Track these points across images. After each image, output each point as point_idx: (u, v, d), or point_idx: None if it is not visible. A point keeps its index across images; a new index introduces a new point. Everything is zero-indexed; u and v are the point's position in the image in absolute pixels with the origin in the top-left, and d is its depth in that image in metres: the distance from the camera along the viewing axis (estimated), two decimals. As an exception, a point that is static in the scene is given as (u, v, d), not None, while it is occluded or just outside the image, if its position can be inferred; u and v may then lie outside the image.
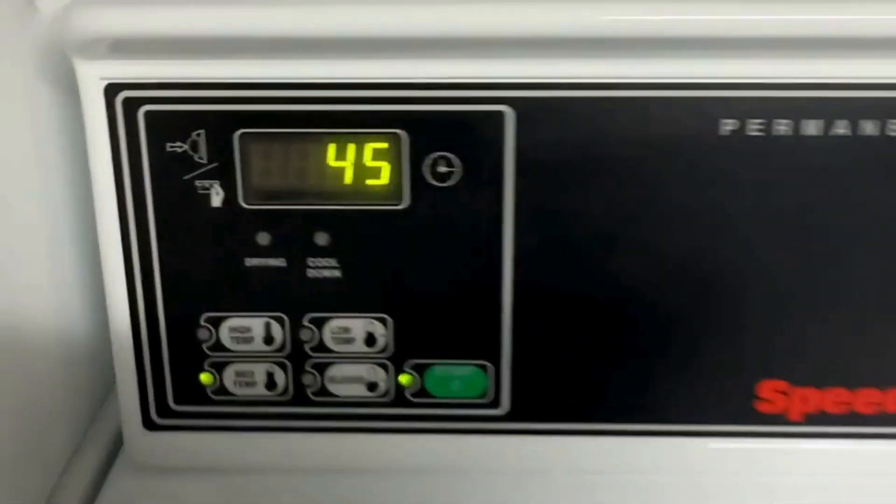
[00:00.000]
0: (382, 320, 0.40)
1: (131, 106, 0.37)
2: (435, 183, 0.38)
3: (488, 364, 0.41)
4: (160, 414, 0.41)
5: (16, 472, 0.38)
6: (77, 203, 0.42)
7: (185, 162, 0.38)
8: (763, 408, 0.41)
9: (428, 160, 0.38)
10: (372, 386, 0.41)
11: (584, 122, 0.37)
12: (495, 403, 0.41)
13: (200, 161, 0.38)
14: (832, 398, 0.40)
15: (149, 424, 0.42)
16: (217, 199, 0.38)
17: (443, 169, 0.38)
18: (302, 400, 0.41)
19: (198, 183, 0.38)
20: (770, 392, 0.40)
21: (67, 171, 0.41)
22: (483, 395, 0.41)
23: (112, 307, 0.40)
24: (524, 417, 0.42)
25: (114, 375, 0.41)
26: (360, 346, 0.40)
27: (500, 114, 0.37)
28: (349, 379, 0.41)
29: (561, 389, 0.41)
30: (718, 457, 0.42)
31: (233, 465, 0.42)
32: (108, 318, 0.40)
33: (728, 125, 0.37)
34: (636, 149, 0.37)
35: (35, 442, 0.40)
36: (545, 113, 0.37)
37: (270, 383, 0.41)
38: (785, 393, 0.40)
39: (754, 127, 0.37)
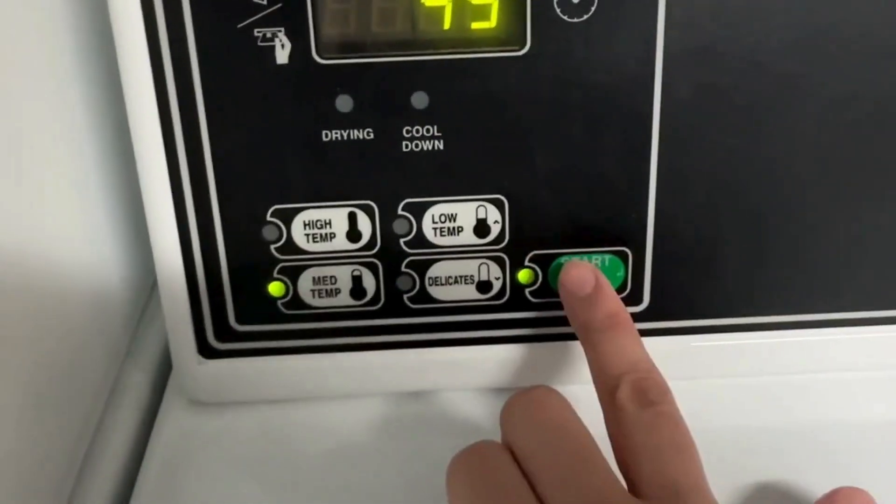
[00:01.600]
0: (497, 203, 0.32)
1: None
2: (565, 18, 0.29)
3: (628, 251, 0.33)
4: (219, 337, 0.33)
5: (53, 418, 0.30)
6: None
7: (240, 4, 0.28)
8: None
9: (559, -14, 0.29)
10: (484, 286, 0.33)
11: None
12: (635, 298, 0.34)
13: (260, 2, 0.28)
14: None
15: (206, 351, 0.33)
16: (283, 54, 0.29)
17: (576, -2, 0.29)
18: (397, 309, 0.33)
19: (257, 32, 0.29)
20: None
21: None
22: (620, 290, 0.33)
23: (151, 206, 0.31)
24: (667, 314, 0.34)
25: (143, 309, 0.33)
26: (468, 238, 0.32)
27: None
28: (456, 279, 0.33)
29: (706, 281, 0.34)
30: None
31: (311, 393, 0.34)
32: (148, 221, 0.31)
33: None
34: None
35: (70, 387, 0.31)
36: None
37: (357, 290, 0.33)
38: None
39: None
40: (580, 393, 0.31)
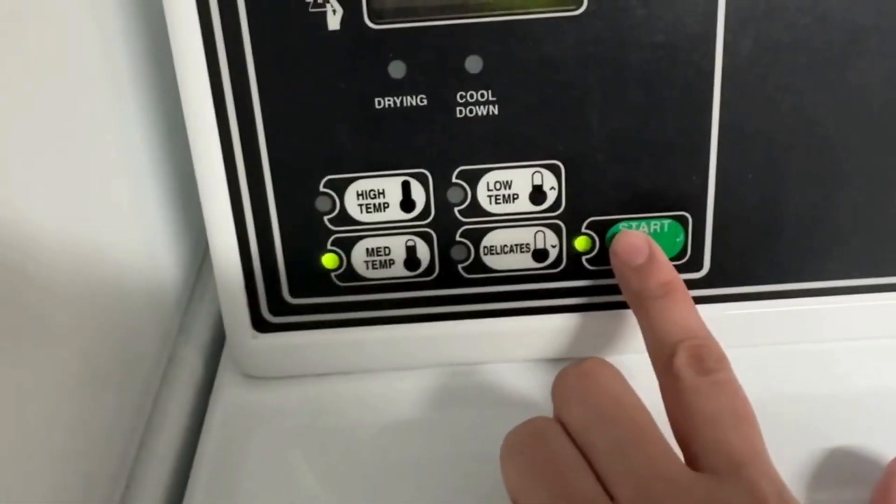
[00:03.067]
0: (553, 169, 0.31)
1: None
2: (623, -24, 0.28)
3: (688, 216, 0.32)
4: (273, 311, 0.33)
5: (112, 394, 0.30)
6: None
7: (290, -30, 0.28)
8: None
9: (617, -58, 0.28)
10: (540, 255, 0.32)
11: None
12: (695, 264, 0.33)
13: (310, -34, 0.28)
14: None
15: (259, 325, 0.33)
16: (334, 20, 0.29)
17: (635, -46, 0.28)
18: (452, 279, 0.33)
19: (309, -2, 0.28)
20: None
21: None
22: (680, 256, 0.33)
23: (203, 180, 0.31)
24: (727, 280, 0.33)
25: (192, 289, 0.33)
26: (524, 205, 0.32)
27: None
28: (511, 248, 0.32)
29: (767, 246, 0.33)
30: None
31: (364, 366, 0.34)
32: (201, 195, 0.31)
33: None
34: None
35: (125, 364, 0.31)
36: None
37: (411, 261, 0.32)
38: None
39: None
40: (635, 363, 0.31)
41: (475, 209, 0.32)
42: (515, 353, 0.34)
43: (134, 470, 0.31)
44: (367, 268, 0.32)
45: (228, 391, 0.34)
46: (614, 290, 0.33)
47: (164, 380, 0.34)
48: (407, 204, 0.31)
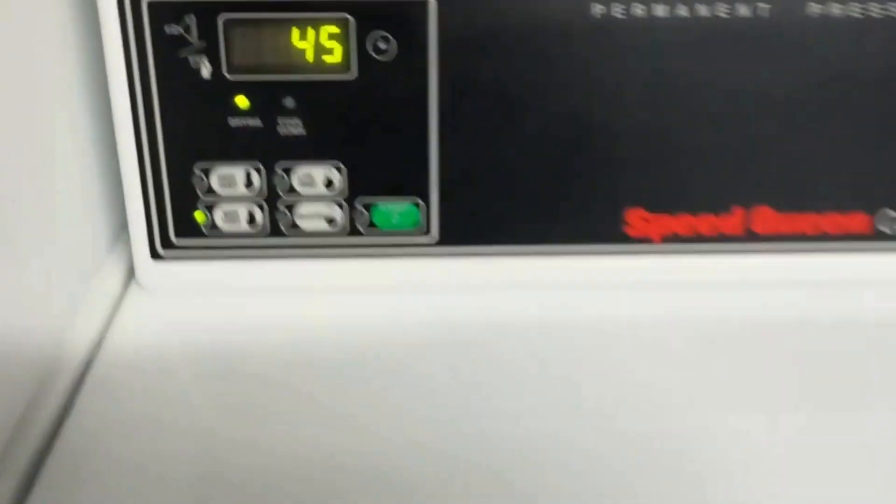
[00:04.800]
0: (338, 167, 0.51)
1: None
2: (377, 57, 0.49)
3: (420, 201, 0.52)
4: (164, 246, 0.53)
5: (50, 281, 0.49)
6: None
7: (181, 42, 0.48)
8: (630, 231, 0.53)
9: (370, 38, 0.49)
10: (331, 221, 0.53)
11: (493, 9, 0.48)
12: (427, 233, 0.53)
13: (192, 41, 0.48)
14: (681, 223, 0.53)
15: (155, 255, 0.53)
16: (206, 72, 0.49)
17: (382, 46, 0.49)
18: (276, 233, 0.53)
19: (191, 59, 0.48)
20: (635, 219, 0.53)
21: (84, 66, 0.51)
22: (417, 227, 0.53)
23: (124, 159, 0.51)
24: (450, 244, 0.54)
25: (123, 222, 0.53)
26: (320, 189, 0.52)
27: (424, 2, 0.48)
28: (313, 215, 0.52)
29: (478, 220, 0.53)
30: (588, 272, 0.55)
31: (222, 287, 0.54)
32: (121, 169, 0.51)
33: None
34: (534, 30, 0.49)
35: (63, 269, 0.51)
36: (462, 3, 0.48)
37: (251, 220, 0.52)
38: (646, 219, 0.53)
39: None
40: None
41: (290, 190, 0.52)
42: (319, 284, 0.54)
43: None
44: (224, 223, 0.52)
45: (133, 302, 0.54)
46: (379, 246, 0.53)
47: (90, 291, 0.54)
48: (248, 184, 0.51)
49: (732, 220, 0.53)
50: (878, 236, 0.54)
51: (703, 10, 0.49)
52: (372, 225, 0.53)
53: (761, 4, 0.49)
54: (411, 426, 0.45)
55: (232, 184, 0.52)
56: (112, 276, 0.55)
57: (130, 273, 0.55)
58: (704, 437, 0.45)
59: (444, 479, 0.42)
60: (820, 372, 0.49)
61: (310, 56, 0.49)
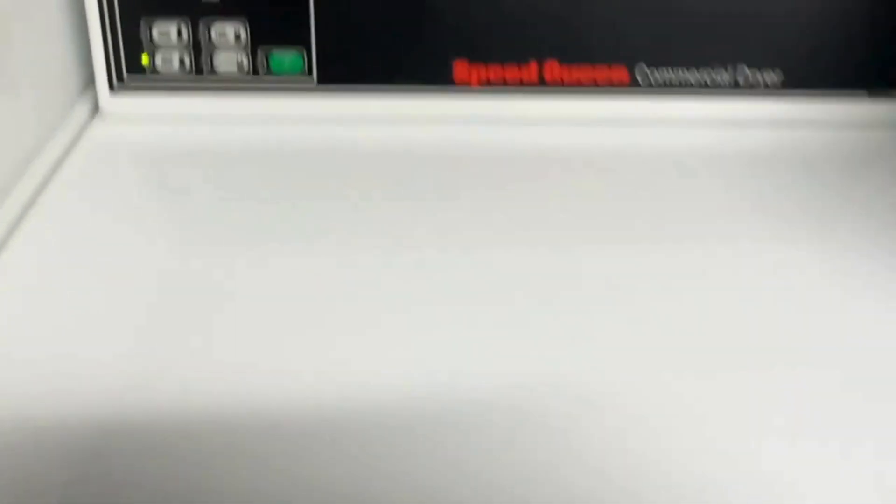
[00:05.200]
0: (244, 24, 0.72)
1: None
2: (269, -57, 0.70)
3: (304, 50, 0.73)
4: (118, 80, 0.73)
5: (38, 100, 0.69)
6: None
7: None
8: (455, 78, 0.74)
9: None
10: (240, 66, 0.73)
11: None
12: (310, 75, 0.74)
13: (139, -72, 0.69)
14: (493, 72, 0.74)
15: (112, 88, 0.73)
16: (148, -49, 0.69)
17: (273, -65, 0.69)
18: (200, 74, 0.73)
19: (137, -59, 0.69)
20: (460, 68, 0.74)
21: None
22: (303, 71, 0.73)
23: (90, 18, 0.71)
24: (328, 83, 0.74)
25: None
26: (232, 41, 0.72)
27: None
28: (228, 62, 0.73)
29: (348, 66, 0.74)
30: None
31: (159, 116, 0.74)
32: (88, 25, 0.71)
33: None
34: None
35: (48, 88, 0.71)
36: None
37: (181, 63, 0.73)
38: (468, 68, 0.74)
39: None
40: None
41: (210, 41, 0.72)
42: (231, 113, 0.75)
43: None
44: (162, 65, 0.73)
45: (97, 125, 0.74)
46: (273, 83, 0.73)
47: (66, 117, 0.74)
48: (179, 36, 0.72)
49: (530, 71, 0.74)
50: (633, 84, 0.75)
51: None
52: (269, 69, 0.73)
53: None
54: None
55: (168, 35, 0.72)
56: (82, 107, 0.75)
57: (94, 109, 0.76)
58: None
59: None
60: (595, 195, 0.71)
61: None
